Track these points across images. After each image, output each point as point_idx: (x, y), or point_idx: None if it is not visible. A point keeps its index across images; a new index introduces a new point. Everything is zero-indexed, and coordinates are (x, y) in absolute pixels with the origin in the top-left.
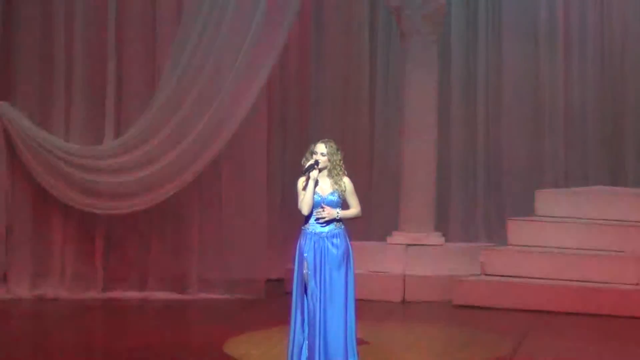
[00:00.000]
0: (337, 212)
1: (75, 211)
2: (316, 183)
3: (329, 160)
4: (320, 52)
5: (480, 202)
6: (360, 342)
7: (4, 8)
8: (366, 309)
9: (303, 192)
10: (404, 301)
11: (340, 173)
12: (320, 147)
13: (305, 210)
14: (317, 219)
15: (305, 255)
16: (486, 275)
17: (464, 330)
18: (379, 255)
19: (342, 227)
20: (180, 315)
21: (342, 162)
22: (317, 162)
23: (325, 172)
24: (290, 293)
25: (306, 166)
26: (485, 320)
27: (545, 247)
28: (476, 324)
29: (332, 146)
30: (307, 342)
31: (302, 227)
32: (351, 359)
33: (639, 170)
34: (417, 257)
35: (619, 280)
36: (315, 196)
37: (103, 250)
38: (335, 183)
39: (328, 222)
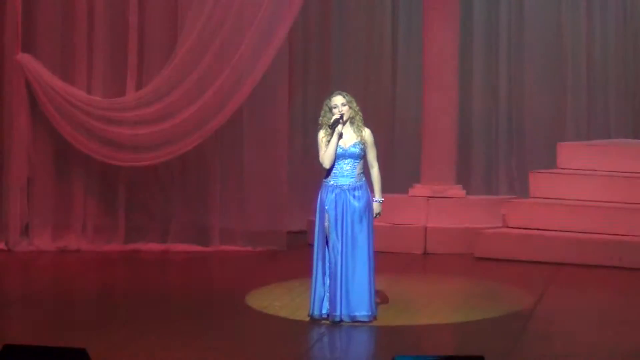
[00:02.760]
0: (379, 201)
1: (96, 163)
2: (340, 137)
3: (351, 108)
4: (342, 3)
5: (501, 155)
6: (378, 294)
7: None
8: (387, 261)
9: (325, 145)
10: (425, 253)
11: (361, 122)
12: (338, 99)
13: (327, 164)
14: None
15: (326, 208)
16: (508, 227)
17: (485, 283)
18: (400, 208)
19: (364, 179)
20: (202, 267)
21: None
22: (342, 116)
23: (347, 123)
24: (312, 245)
25: (332, 121)
26: (507, 273)
27: (567, 199)
28: (497, 276)
29: (348, 94)
30: (328, 294)
31: (323, 180)
32: (374, 310)
33: None
34: (438, 209)
35: None
36: (337, 148)
37: (125, 202)
38: (358, 129)
39: (356, 187)
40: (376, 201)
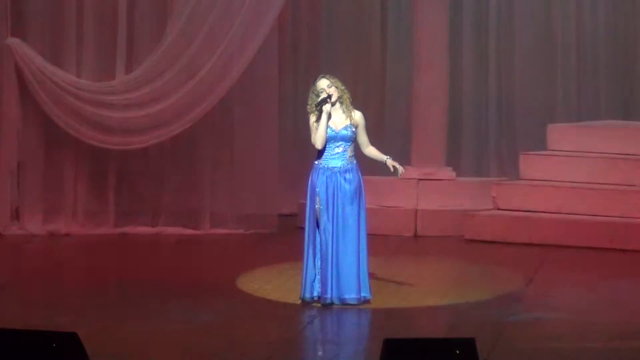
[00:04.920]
0: (390, 157)
1: (87, 147)
2: (329, 117)
3: (337, 88)
4: None
5: (492, 137)
6: (371, 276)
7: None
8: (378, 243)
9: (316, 128)
10: (415, 236)
11: (350, 101)
12: (323, 82)
13: (319, 145)
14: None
15: (317, 190)
16: (498, 209)
17: (476, 265)
18: (391, 190)
19: (355, 162)
20: (193, 251)
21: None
22: (329, 96)
23: (336, 104)
24: (303, 228)
25: (319, 100)
26: (497, 255)
27: (557, 181)
28: (488, 258)
29: (331, 76)
30: (319, 276)
31: (315, 162)
32: (364, 293)
33: None
34: (428, 191)
35: (631, 215)
36: (328, 130)
37: (115, 186)
38: (348, 110)
39: (347, 170)
40: (388, 158)
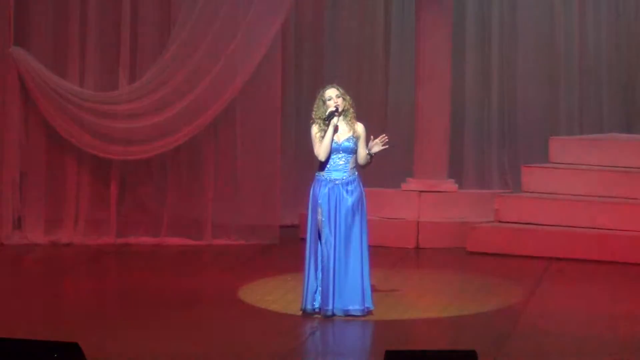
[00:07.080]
0: (369, 149)
1: (89, 156)
2: (335, 129)
3: (345, 100)
4: None
5: (494, 149)
6: (373, 288)
7: None
8: (380, 255)
9: (319, 140)
10: (417, 247)
11: (354, 115)
12: (332, 91)
13: (322, 157)
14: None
15: (319, 202)
16: (500, 222)
17: (478, 277)
18: (393, 202)
19: (356, 173)
20: (194, 261)
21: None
22: (337, 109)
23: (341, 116)
24: (305, 239)
25: (327, 113)
26: (499, 267)
27: (559, 194)
28: (490, 270)
29: (340, 87)
30: (320, 288)
31: (316, 174)
32: (367, 304)
33: None
34: (431, 203)
35: (633, 228)
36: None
37: (117, 195)
38: (351, 122)
39: (349, 182)
40: (370, 144)
